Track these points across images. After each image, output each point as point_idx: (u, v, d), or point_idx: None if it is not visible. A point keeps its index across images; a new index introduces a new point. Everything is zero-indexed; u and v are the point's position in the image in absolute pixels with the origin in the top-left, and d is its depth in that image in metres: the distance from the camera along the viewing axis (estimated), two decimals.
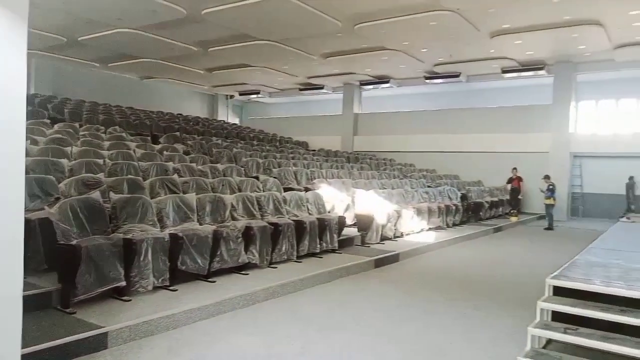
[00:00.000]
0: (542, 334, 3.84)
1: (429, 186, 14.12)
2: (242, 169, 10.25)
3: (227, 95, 26.55)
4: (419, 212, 10.57)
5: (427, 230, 10.98)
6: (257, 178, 9.20)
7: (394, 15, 12.30)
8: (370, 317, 4.98)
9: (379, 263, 7.60)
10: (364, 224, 8.91)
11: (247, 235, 6.14)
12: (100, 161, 7.57)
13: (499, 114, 18.57)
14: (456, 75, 18.32)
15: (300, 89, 22.84)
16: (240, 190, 7.87)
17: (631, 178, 15.96)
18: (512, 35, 13.66)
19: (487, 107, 19.09)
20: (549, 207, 13.81)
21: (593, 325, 3.74)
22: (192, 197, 6.24)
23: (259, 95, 24.85)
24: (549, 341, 4.14)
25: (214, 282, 5.55)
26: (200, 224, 5.99)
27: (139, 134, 12.43)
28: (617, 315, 3.62)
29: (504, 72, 17.27)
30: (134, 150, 9.25)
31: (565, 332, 3.71)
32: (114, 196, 5.49)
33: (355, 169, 14.25)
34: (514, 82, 18.74)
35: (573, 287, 4.09)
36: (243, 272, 6.05)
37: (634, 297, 3.76)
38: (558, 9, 11.51)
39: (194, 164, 9.12)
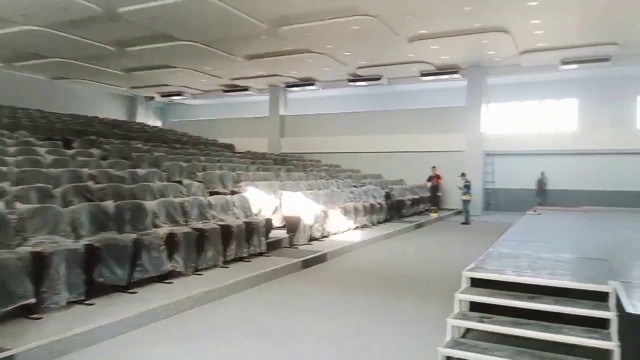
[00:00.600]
0: (460, 324, 4.05)
1: (354, 186, 14.43)
2: (165, 173, 9.87)
3: (146, 96, 25.48)
4: (345, 211, 10.77)
5: (354, 229, 11.22)
6: (180, 183, 8.91)
7: (318, 19, 12.47)
8: (298, 319, 4.99)
9: (307, 264, 7.65)
10: (291, 225, 8.93)
11: (171, 243, 5.93)
12: (5, 168, 6.96)
13: (418, 116, 19.42)
14: (378, 78, 18.90)
15: (225, 91, 22.44)
16: (162, 196, 7.58)
17: (542, 174, 17.26)
18: (429, 41, 14.33)
19: (407, 109, 19.90)
20: (465, 202, 14.65)
21: (507, 313, 4.00)
22: (109, 205, 5.92)
23: (182, 97, 24.09)
24: (468, 330, 4.38)
25: (135, 292, 5.30)
26: (120, 233, 5.69)
27: (50, 139, 11.56)
28: (526, 302, 3.91)
29: (423, 75, 18.07)
30: (44, 156, 8.61)
31: (481, 321, 3.94)
32: (20, 206, 5.08)
33: (283, 171, 14.24)
34: (432, 84, 19.66)
35: (488, 278, 4.36)
36: (167, 281, 5.83)
37: (540, 284, 4.08)
38: (469, 17, 12.25)
39: (111, 170, 8.65)
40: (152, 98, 25.50)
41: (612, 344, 3.39)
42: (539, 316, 3.85)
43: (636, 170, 16.24)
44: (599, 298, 3.84)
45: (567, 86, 18.27)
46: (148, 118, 25.70)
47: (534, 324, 3.76)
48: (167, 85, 22.11)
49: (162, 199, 7.05)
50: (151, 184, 7.99)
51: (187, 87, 22.60)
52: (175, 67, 18.16)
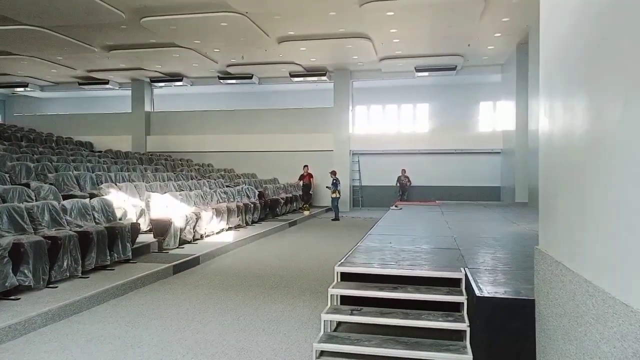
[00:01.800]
0: (332, 318, 4.22)
1: (227, 186, 14.19)
2: (7, 175, 8.67)
3: None
4: (218, 212, 10.53)
5: (227, 230, 11.03)
6: (27, 186, 7.89)
7: (184, 12, 11.97)
8: (169, 327, 4.75)
9: (178, 269, 7.32)
10: (160, 229, 8.46)
11: (16, 254, 5.22)
12: None
13: (289, 115, 19.76)
14: (249, 77, 18.80)
15: (80, 84, 20.40)
16: (4, 201, 6.65)
17: (403, 171, 18.59)
18: (297, 42, 14.65)
19: (279, 109, 20.13)
20: (334, 200, 15.31)
21: (375, 304, 4.26)
22: None
23: (27, 89, 21.34)
24: (339, 324, 4.58)
25: None
26: None
27: None
28: (390, 293, 4.20)
29: (292, 76, 18.42)
30: None
31: (351, 314, 4.14)
32: None
33: (150, 171, 13.43)
34: (302, 85, 20.14)
35: (357, 272, 4.60)
36: (13, 297, 5.14)
37: (403, 275, 4.42)
38: (334, 22, 12.78)
39: None
40: None
41: (464, 325, 3.81)
42: (403, 305, 4.17)
43: (480, 167, 18.47)
44: (454, 284, 4.29)
45: (421, 91, 20.08)
46: None
47: (399, 313, 4.06)
48: (8, 74, 19.39)
49: (3, 204, 6.17)
50: None
51: (33, 77, 20.08)
52: (17, 55, 16.01)
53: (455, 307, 4.12)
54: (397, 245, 5.87)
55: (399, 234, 7.16)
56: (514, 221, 8.89)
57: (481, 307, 3.43)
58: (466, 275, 4.14)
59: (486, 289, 3.61)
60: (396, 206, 12.66)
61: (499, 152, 18.08)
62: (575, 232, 2.53)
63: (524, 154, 14.01)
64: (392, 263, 4.75)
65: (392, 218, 9.72)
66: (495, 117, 19.35)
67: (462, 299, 4.02)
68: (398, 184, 18.43)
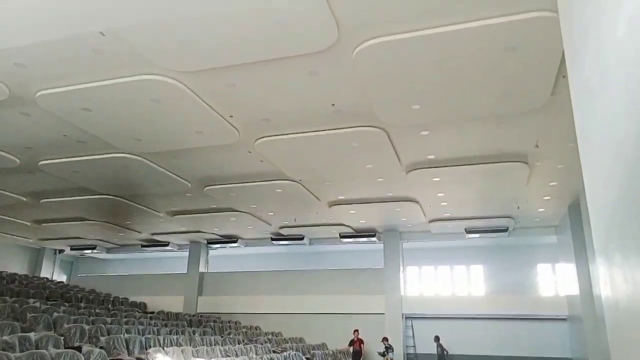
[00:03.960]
0: None
1: (274, 351, 13.63)
2: (62, 337, 8.83)
3: (55, 249, 23.86)
4: None
5: None
6: (79, 349, 7.95)
7: (243, 181, 13.02)
8: None
9: None
10: None
11: None
12: None
13: (339, 276, 19.61)
14: (300, 238, 19.34)
15: (143, 246, 21.66)
16: None
17: (437, 339, 16.90)
18: (347, 206, 15.27)
19: (329, 269, 20.12)
20: None
21: None
22: None
23: (95, 251, 22.81)
24: None
25: None
26: None
27: None
28: None
29: (342, 237, 18.80)
30: None
31: None
32: None
33: (197, 334, 13.26)
34: (352, 246, 20.36)
35: None
36: None
37: None
38: (382, 187, 13.40)
39: None
40: (61, 251, 23.90)
41: None
42: None
43: (545, 335, 16.94)
44: None
45: (474, 252, 19.68)
46: (53, 272, 23.70)
47: None
48: (80, 238, 21.00)
49: None
50: (44, 351, 7.06)
51: (102, 240, 21.61)
52: (91, 220, 17.53)
53: None
54: None
55: None
56: None
57: None
58: None
59: None
60: None
61: (564, 319, 16.70)
62: None
63: (594, 320, 12.84)
64: None
65: None
66: (556, 280, 18.35)
67: None
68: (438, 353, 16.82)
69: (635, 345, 2.59)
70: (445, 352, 16.73)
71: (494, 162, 11.10)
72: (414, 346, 18.45)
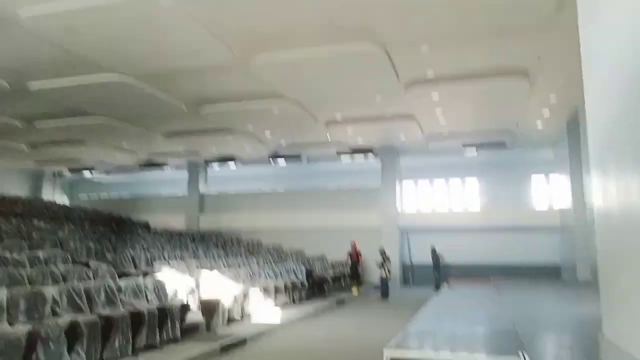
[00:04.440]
0: None
1: (275, 263, 14.23)
2: (69, 255, 9.14)
3: (54, 172, 24.01)
4: (266, 291, 10.50)
5: (274, 308, 10.90)
6: (87, 265, 8.27)
7: (240, 101, 12.78)
8: None
9: (225, 349, 7.23)
10: (209, 308, 8.49)
11: (72, 333, 5.37)
12: None
13: (337, 193, 20.00)
14: (298, 157, 19.45)
15: (141, 166, 21.80)
16: (65, 281, 6.97)
17: (433, 250, 17.46)
18: (345, 125, 15.16)
19: (327, 187, 20.46)
20: (384, 277, 14.90)
21: None
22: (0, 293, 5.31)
23: (94, 173, 22.97)
24: None
25: None
26: (11, 325, 5.08)
27: None
28: None
29: (339, 154, 18.89)
30: None
31: None
32: None
33: (201, 250, 13.76)
34: (349, 165, 20.52)
35: (408, 357, 4.38)
36: None
37: None
38: (380, 105, 13.22)
39: (6, 252, 7.86)
40: (61, 173, 24.07)
41: None
42: None
43: (536, 244, 17.63)
44: None
45: (470, 166, 19.90)
46: (54, 195, 24.04)
47: None
48: (78, 160, 21.05)
49: (64, 284, 6.47)
50: (53, 267, 7.33)
51: (100, 162, 21.69)
52: (88, 142, 17.47)
53: None
54: (451, 327, 5.59)
55: (453, 314, 6.83)
56: (577, 301, 8.30)
57: None
58: None
59: None
60: (449, 285, 12.16)
61: (556, 229, 17.29)
62: None
63: (585, 230, 13.31)
64: (446, 346, 4.51)
65: (444, 297, 9.33)
66: (550, 193, 18.73)
67: None
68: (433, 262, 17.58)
69: (622, 246, 2.68)
70: (440, 261, 17.47)
71: (495, 78, 10.87)
72: (410, 257, 19.26)
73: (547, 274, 16.46)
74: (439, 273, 17.27)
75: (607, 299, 3.00)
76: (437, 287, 16.98)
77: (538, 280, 14.21)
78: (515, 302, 8.32)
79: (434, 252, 17.50)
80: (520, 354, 4.05)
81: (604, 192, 3.09)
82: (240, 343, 7.73)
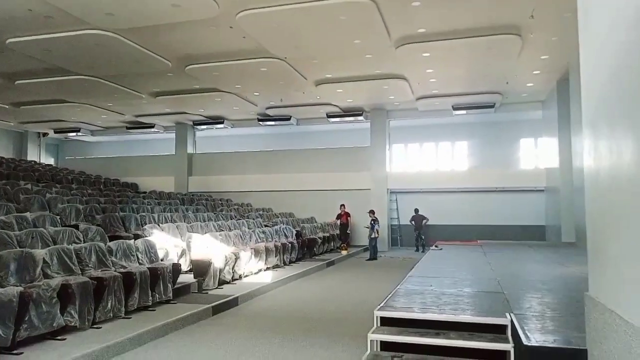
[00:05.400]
0: None
1: (265, 225, 14.32)
2: (58, 217, 9.09)
3: (39, 133, 23.55)
4: (256, 252, 10.60)
5: (265, 270, 11.05)
6: (76, 227, 8.23)
7: (226, 59, 12.50)
8: None
9: (217, 310, 7.36)
10: (200, 269, 8.58)
11: (64, 295, 5.40)
12: None
13: (326, 155, 19.94)
14: (287, 118, 19.26)
15: (128, 128, 21.46)
16: (55, 243, 6.95)
17: (416, 210, 18.09)
18: (334, 85, 14.96)
19: (316, 149, 20.37)
20: (372, 239, 15.13)
21: (417, 350, 4.13)
22: None
23: (79, 134, 22.58)
24: None
25: (21, 354, 4.72)
26: (3, 286, 5.08)
27: None
28: (432, 339, 4.07)
29: (329, 116, 18.75)
30: None
31: None
32: None
33: (191, 212, 13.77)
34: (339, 125, 20.40)
35: (397, 317, 4.49)
36: (59, 338, 5.28)
37: (445, 320, 4.28)
38: (370, 64, 13.02)
39: None
40: (45, 134, 23.62)
41: None
42: (446, 351, 4.02)
43: (522, 206, 17.95)
44: (499, 331, 4.11)
45: (459, 129, 19.93)
46: (40, 156, 23.67)
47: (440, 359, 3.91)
48: (62, 120, 20.63)
49: (54, 246, 6.45)
50: (42, 229, 7.29)
51: (85, 123, 21.28)
52: (71, 102, 17.07)
53: (501, 355, 3.94)
54: (438, 288, 5.72)
55: (440, 275, 6.97)
56: (562, 262, 8.52)
57: (529, 357, 3.26)
58: (512, 321, 3.97)
59: (534, 337, 3.44)
60: (436, 246, 12.38)
61: (542, 190, 17.55)
62: (627, 279, 2.41)
63: (570, 192, 13.51)
64: (434, 307, 4.62)
65: (432, 259, 9.51)
66: (537, 154, 18.90)
67: (509, 347, 3.83)
68: (413, 223, 17.99)
69: (611, 206, 2.71)
70: (423, 222, 17.78)
71: (487, 35, 10.73)
72: (398, 218, 19.50)
73: (532, 235, 16.81)
74: (420, 234, 17.66)
75: (594, 260, 3.05)
76: (418, 249, 17.43)
77: (523, 241, 14.51)
78: (500, 263, 8.51)
79: (416, 212, 17.85)
80: (508, 314, 4.16)
81: (595, 151, 3.09)
82: (232, 304, 7.86)
